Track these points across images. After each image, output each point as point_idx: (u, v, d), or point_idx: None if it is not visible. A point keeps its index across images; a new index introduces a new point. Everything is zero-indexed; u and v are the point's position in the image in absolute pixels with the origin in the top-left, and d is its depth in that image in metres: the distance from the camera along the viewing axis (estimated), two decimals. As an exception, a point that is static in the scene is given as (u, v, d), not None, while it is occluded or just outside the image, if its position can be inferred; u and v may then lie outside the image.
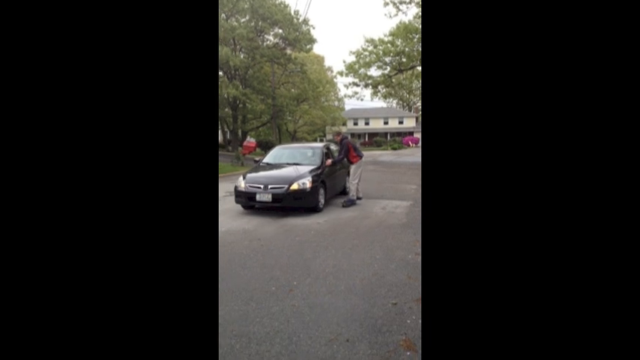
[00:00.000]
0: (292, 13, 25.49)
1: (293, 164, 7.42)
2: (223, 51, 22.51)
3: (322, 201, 6.93)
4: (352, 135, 48.95)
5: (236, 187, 6.85)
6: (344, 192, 8.36)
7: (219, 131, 30.72)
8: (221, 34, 23.81)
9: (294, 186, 6.45)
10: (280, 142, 33.88)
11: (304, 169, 7.02)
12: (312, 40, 26.83)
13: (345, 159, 7.58)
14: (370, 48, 21.83)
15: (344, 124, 45.62)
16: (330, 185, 7.32)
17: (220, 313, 2.92)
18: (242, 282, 3.56)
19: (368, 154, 28.27)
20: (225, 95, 23.68)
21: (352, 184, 7.60)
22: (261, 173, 7.09)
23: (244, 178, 6.92)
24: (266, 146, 22.61)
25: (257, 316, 2.87)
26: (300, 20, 25.60)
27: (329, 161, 7.47)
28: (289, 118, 33.73)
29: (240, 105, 26.01)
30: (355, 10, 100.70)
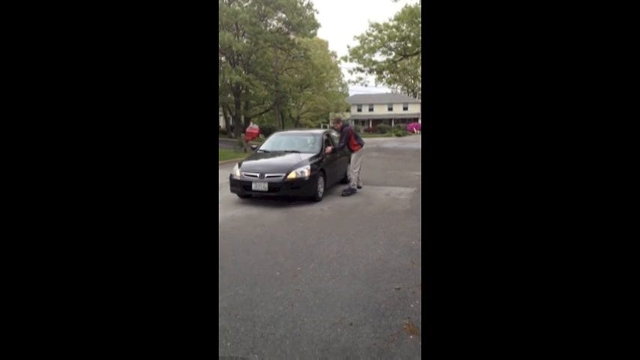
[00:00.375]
0: (296, -3, 25.14)
1: (291, 152, 7.11)
2: (226, 36, 22.29)
3: (321, 190, 6.70)
4: (356, 121, 48.75)
5: (231, 176, 6.61)
6: (344, 180, 8.08)
7: (222, 117, 30.62)
8: (223, 18, 23.54)
9: (292, 174, 6.19)
10: (283, 129, 33.77)
11: (303, 156, 6.75)
12: (315, 25, 26.48)
13: (346, 147, 7.41)
14: (375, 33, 21.54)
15: (348, 110, 45.40)
16: (329, 174, 7.09)
17: (225, 297, 2.96)
18: (247, 267, 3.59)
19: (372, 140, 28.20)
20: (228, 81, 23.53)
21: (353, 172, 7.41)
22: (258, 161, 6.85)
23: (240, 166, 6.66)
24: (269, 132, 22.54)
25: (261, 301, 2.90)
26: (303, 4, 25.26)
27: (329, 148, 7.24)
28: (292, 104, 33.56)
29: (243, 91, 25.86)
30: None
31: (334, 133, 8.23)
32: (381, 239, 4.42)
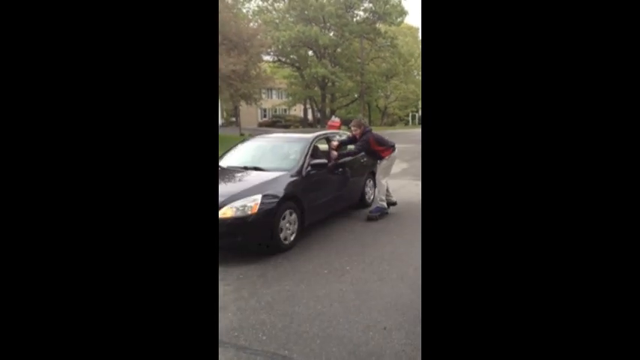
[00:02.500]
0: (382, -16, 24.72)
1: (252, 169, 4.62)
2: (312, 30, 22.80)
3: (290, 233, 4.14)
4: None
5: None
6: (363, 201, 5.77)
7: (309, 110, 31.49)
8: (310, 12, 24.08)
9: (227, 211, 3.71)
10: (370, 120, 33.53)
11: (266, 177, 4.28)
12: (403, 12, 25.86)
13: (374, 155, 5.45)
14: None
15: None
16: (315, 203, 4.57)
17: (271, 291, 3.16)
18: (298, 263, 3.76)
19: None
20: (314, 75, 24.08)
21: (381, 184, 5.33)
22: None
23: None
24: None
25: (304, 298, 3.05)
26: (390, -8, 24.75)
27: (334, 146, 5.17)
28: (380, 94, 33.17)
29: (329, 84, 26.27)
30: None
31: (338, 137, 5.66)
32: (440, 241, 4.28)
